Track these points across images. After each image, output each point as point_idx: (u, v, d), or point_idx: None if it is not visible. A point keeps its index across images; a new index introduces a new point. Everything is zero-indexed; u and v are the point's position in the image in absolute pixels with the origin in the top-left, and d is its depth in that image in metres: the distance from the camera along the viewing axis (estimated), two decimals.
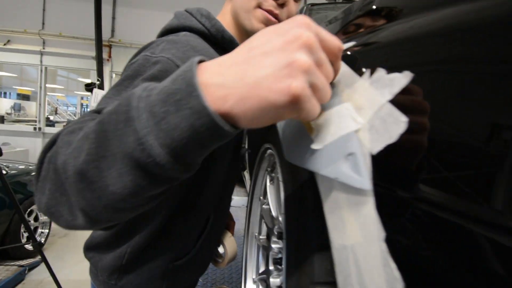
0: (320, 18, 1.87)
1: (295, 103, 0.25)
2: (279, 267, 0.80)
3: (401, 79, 0.29)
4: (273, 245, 0.82)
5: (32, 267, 2.55)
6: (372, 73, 0.34)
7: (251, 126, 0.27)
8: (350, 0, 2.17)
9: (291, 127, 0.40)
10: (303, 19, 0.28)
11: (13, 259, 2.74)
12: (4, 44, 5.15)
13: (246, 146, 1.17)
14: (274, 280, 0.79)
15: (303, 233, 0.43)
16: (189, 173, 0.29)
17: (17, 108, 10.19)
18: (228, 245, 0.79)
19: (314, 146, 0.34)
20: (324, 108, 0.37)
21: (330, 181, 0.34)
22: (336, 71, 0.31)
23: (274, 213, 0.80)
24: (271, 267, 0.83)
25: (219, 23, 0.58)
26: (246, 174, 2.72)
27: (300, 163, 0.36)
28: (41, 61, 5.31)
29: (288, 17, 0.60)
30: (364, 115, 0.32)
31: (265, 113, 0.26)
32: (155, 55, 0.45)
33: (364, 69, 0.35)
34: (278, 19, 0.58)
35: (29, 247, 2.61)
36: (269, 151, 0.80)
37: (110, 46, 5.37)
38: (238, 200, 2.80)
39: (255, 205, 1.05)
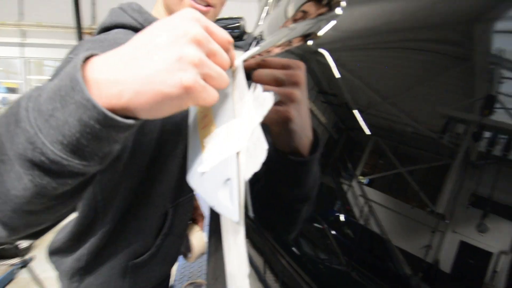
0: None
1: (189, 93, 0.27)
2: None
3: (269, 100, 0.27)
4: None
5: (22, 265, 2.59)
6: (255, 87, 0.31)
7: (153, 117, 0.28)
8: None
9: (192, 142, 0.38)
10: (192, 13, 0.29)
11: (3, 258, 2.76)
12: None
13: None
14: None
15: None
16: (99, 165, 0.29)
17: (5, 102, 10.04)
18: (195, 240, 0.78)
19: (200, 169, 0.32)
20: (219, 120, 0.35)
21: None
22: (231, 59, 0.32)
23: None
24: None
25: (151, 17, 0.58)
26: None
27: (193, 185, 0.34)
28: (23, 53, 5.17)
29: (221, 2, 0.61)
30: (244, 136, 0.30)
31: (163, 105, 0.27)
32: (77, 57, 0.45)
33: (251, 82, 0.33)
34: (210, 6, 0.58)
35: (20, 245, 2.63)
36: None
37: (92, 34, 5.21)
38: None
39: None
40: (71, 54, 0.49)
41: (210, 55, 0.29)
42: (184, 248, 0.82)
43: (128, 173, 0.55)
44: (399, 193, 0.23)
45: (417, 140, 0.22)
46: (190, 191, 0.72)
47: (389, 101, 0.25)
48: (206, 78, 0.28)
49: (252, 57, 0.39)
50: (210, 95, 0.29)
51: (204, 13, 0.57)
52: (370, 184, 0.24)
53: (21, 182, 0.27)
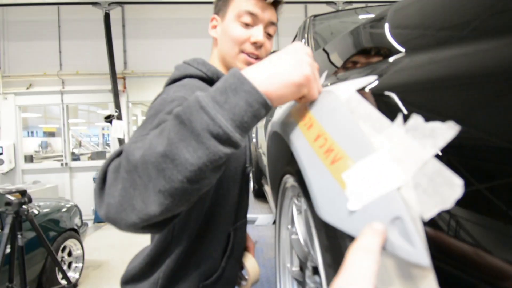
0: (324, 28, 1.83)
1: (307, 81, 0.42)
2: None
3: (446, 131, 0.25)
4: (308, 280, 0.77)
5: None
6: (405, 118, 0.30)
7: (280, 104, 0.42)
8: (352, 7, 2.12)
9: (320, 180, 0.36)
10: (299, 44, 0.45)
11: None
12: (27, 88, 5.44)
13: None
14: None
15: None
16: (237, 148, 0.39)
17: (44, 146, 10.67)
18: (249, 266, 0.78)
19: (350, 207, 0.30)
20: (354, 154, 0.33)
21: None
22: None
23: (305, 248, 0.76)
24: None
25: (213, 67, 0.70)
26: (268, 189, 2.67)
27: (336, 223, 0.32)
28: (62, 100, 5.56)
29: (266, 53, 0.75)
30: (405, 170, 0.28)
31: (289, 91, 0.41)
32: (170, 96, 0.55)
33: (393, 112, 0.31)
34: (259, 58, 0.73)
35: (64, 282, 2.64)
36: (291, 182, 0.77)
37: (124, 78, 5.55)
38: (263, 218, 2.74)
39: (283, 233, 1.01)
40: (162, 95, 0.58)
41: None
42: (237, 277, 0.81)
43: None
44: None
45: None
46: (244, 216, 0.79)
47: None
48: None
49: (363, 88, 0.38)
50: (319, 86, 0.45)
51: (252, 64, 0.69)
52: None
53: (196, 153, 0.36)
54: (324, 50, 0.84)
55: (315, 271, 0.72)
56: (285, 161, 0.87)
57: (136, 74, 5.57)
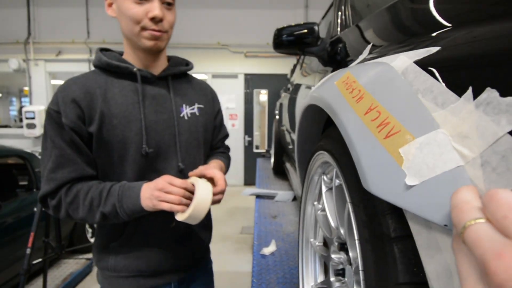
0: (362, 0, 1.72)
1: (154, 207, 0.73)
2: (342, 279, 0.77)
3: None
4: (333, 255, 0.78)
5: None
6: (476, 92, 0.28)
7: (151, 211, 0.75)
8: None
9: (372, 153, 0.35)
10: (164, 177, 0.74)
11: (81, 252, 3.01)
12: (56, 55, 5.59)
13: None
14: None
15: (382, 267, 0.39)
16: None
17: None
18: (197, 193, 0.71)
19: (409, 181, 0.30)
20: (414, 129, 0.32)
21: (429, 224, 0.29)
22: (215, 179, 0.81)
23: (333, 223, 0.76)
24: (332, 278, 0.79)
25: (98, 55, 0.81)
26: (289, 167, 2.67)
27: (388, 197, 0.32)
28: (89, 68, 5.68)
29: (170, 24, 0.79)
30: (471, 147, 0.27)
31: (149, 208, 0.74)
32: (48, 113, 0.80)
33: (462, 86, 0.29)
34: (162, 31, 0.77)
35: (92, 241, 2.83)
36: (323, 158, 0.76)
37: None
38: (282, 195, 2.77)
39: (309, 209, 1.02)
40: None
41: (166, 191, 0.72)
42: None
43: None
44: None
45: None
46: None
47: None
48: (164, 201, 0.72)
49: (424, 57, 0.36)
50: (164, 207, 0.72)
51: (158, 37, 0.77)
52: None
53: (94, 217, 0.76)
54: (363, 23, 0.80)
55: (341, 247, 0.73)
56: (318, 137, 0.86)
57: None
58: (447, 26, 0.42)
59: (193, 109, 0.89)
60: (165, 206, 0.69)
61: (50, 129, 0.74)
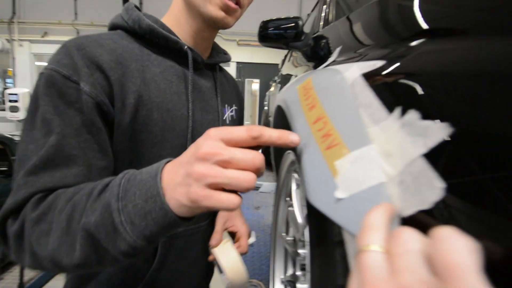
0: None
1: (196, 203, 0.32)
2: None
3: (437, 133, 0.25)
4: (299, 251, 0.80)
5: None
6: (403, 112, 0.29)
7: (186, 215, 0.35)
8: None
9: (313, 164, 0.37)
10: (213, 132, 0.34)
11: None
12: (42, 36, 5.42)
13: None
14: (301, 286, 0.78)
15: (326, 270, 0.41)
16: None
17: None
18: (225, 263, 0.61)
19: (338, 194, 0.31)
20: (350, 143, 0.33)
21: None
22: (265, 142, 0.35)
23: (299, 220, 0.78)
24: (298, 273, 0.82)
25: (135, 13, 0.55)
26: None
27: (323, 209, 0.33)
28: None
29: (249, 1, 0.58)
30: (394, 165, 0.28)
31: (185, 208, 0.34)
32: (41, 84, 0.48)
33: (391, 105, 0.31)
34: (240, 4, 0.55)
35: None
36: (291, 157, 0.78)
37: None
38: (267, 185, 2.81)
39: (282, 204, 1.04)
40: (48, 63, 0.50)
41: (225, 163, 0.32)
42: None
43: None
44: None
45: None
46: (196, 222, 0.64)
47: None
48: (217, 187, 0.32)
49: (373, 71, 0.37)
50: (225, 200, 0.32)
51: (232, 10, 0.55)
52: None
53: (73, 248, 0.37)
54: (347, 19, 0.80)
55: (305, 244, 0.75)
56: None
57: None
58: (417, 38, 0.41)
59: (232, 111, 0.69)
60: (222, 199, 0.32)
61: (48, 103, 0.43)
